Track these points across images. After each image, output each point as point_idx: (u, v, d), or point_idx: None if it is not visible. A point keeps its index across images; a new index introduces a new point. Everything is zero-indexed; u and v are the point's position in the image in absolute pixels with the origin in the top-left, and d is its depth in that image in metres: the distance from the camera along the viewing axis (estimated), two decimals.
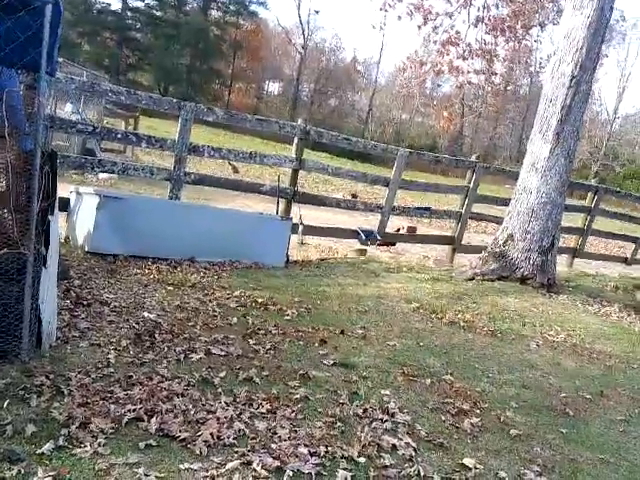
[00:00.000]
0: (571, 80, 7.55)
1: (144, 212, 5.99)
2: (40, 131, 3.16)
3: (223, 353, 3.96)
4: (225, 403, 3.23)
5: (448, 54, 14.70)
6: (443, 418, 3.55)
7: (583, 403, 4.24)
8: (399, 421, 3.38)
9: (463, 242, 9.88)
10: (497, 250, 7.87)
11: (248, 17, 50.28)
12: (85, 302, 4.45)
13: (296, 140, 7.77)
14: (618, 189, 14.78)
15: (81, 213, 5.94)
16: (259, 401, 3.32)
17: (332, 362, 4.10)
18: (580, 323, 6.47)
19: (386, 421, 3.35)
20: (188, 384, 3.39)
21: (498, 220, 10.20)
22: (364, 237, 8.41)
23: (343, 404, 3.48)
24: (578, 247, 11.18)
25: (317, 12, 65.02)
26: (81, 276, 5.09)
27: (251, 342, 4.25)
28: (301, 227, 7.87)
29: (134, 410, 2.98)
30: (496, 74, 17.46)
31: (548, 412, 3.97)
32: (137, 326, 4.20)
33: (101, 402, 3.02)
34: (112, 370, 3.41)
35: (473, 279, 7.65)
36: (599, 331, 6.31)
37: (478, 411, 3.74)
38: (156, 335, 4.08)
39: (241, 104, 47.08)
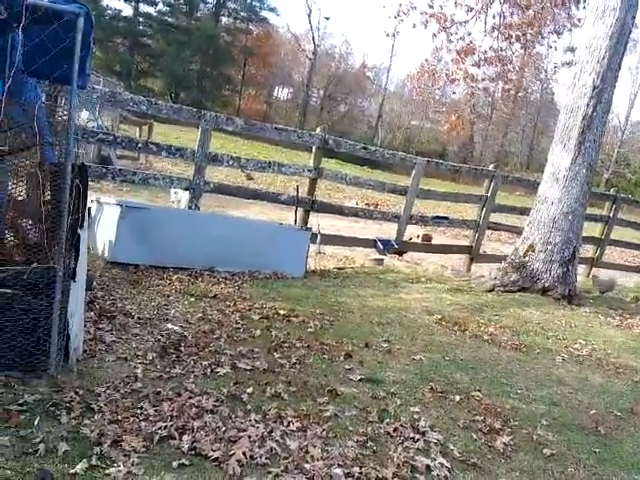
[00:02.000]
0: (593, 90, 7.49)
1: (165, 222, 5.97)
2: (71, 145, 3.13)
3: (249, 367, 3.92)
4: (255, 420, 3.19)
5: (464, 62, 14.63)
6: (475, 437, 3.49)
7: (614, 421, 4.16)
8: (431, 440, 3.33)
9: (479, 251, 9.81)
10: (517, 261, 7.79)
11: (259, 23, 50.49)
12: (109, 314, 4.42)
13: (314, 149, 7.74)
14: (637, 199, 14.58)
15: (102, 223, 5.93)
16: (289, 418, 3.27)
17: (359, 377, 4.04)
18: (604, 336, 6.39)
19: (418, 440, 3.29)
20: (217, 400, 3.35)
21: (515, 230, 10.15)
22: (382, 247, 8.35)
23: (373, 422, 3.43)
24: (596, 257, 11.09)
25: (327, 19, 64.91)
26: (104, 287, 5.07)
27: (276, 356, 4.21)
28: (319, 237, 7.83)
29: (165, 427, 2.94)
30: (511, 80, 17.36)
31: (579, 430, 3.90)
32: (162, 338, 4.17)
33: (131, 419, 2.99)
34: (140, 385, 3.38)
35: (493, 290, 7.58)
36: (623, 345, 6.22)
37: (509, 429, 3.68)
38: (181, 348, 4.05)
39: (251, 110, 47.22)
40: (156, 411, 3.11)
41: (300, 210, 7.77)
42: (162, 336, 4.22)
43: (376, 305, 6.12)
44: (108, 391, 3.24)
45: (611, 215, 10.99)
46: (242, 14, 49.48)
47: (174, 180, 6.82)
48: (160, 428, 2.94)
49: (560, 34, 17.13)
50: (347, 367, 4.22)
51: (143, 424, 2.96)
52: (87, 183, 3.34)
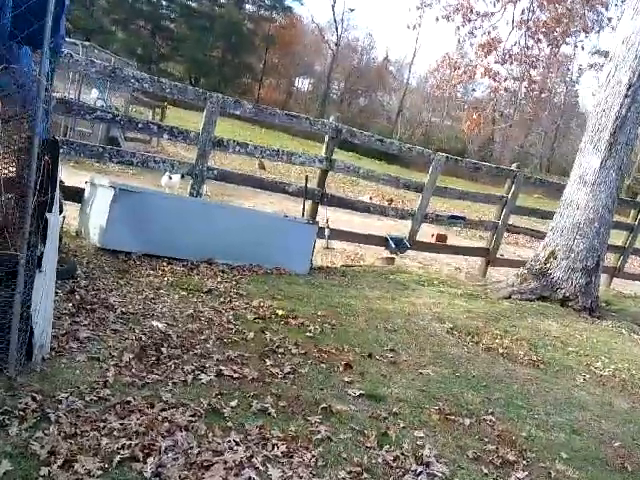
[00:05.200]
0: (628, 88, 6.96)
1: (161, 208, 5.58)
2: (39, 115, 2.73)
3: (236, 375, 3.51)
4: (235, 442, 2.77)
5: (486, 57, 14.07)
6: (485, 470, 3.06)
7: None
8: (435, 473, 2.89)
9: (497, 255, 9.33)
10: (537, 267, 7.30)
11: (282, 12, 50.09)
12: (89, 306, 4.04)
13: (327, 139, 7.31)
14: None
15: (95, 205, 5.55)
16: (274, 440, 2.86)
17: (358, 393, 3.62)
18: (628, 354, 5.90)
19: (420, 473, 2.87)
20: (194, 414, 2.94)
21: (535, 233, 9.69)
22: (394, 245, 7.90)
23: (371, 448, 3.00)
24: (618, 266, 10.56)
25: (352, 10, 64.05)
26: (89, 275, 4.69)
27: (268, 363, 3.80)
28: (327, 231, 7.40)
29: (129, 446, 2.55)
30: (535, 81, 16.75)
31: (603, 465, 3.46)
32: (144, 337, 3.78)
33: (91, 433, 2.60)
34: (109, 392, 2.99)
35: (510, 297, 7.09)
36: None
37: (525, 462, 3.24)
38: (163, 349, 3.65)
39: (271, 99, 46.78)
40: (122, 425, 2.71)
41: (309, 202, 7.35)
42: (144, 334, 3.82)
43: (383, 309, 5.69)
44: (71, 397, 2.85)
45: (636, 223, 10.43)
46: (266, 2, 49.11)
47: (175, 164, 6.43)
48: (123, 447, 2.54)
49: (588, 33, 16.56)
50: (346, 380, 3.80)
51: (104, 441, 2.56)
52: (58, 160, 2.94)
